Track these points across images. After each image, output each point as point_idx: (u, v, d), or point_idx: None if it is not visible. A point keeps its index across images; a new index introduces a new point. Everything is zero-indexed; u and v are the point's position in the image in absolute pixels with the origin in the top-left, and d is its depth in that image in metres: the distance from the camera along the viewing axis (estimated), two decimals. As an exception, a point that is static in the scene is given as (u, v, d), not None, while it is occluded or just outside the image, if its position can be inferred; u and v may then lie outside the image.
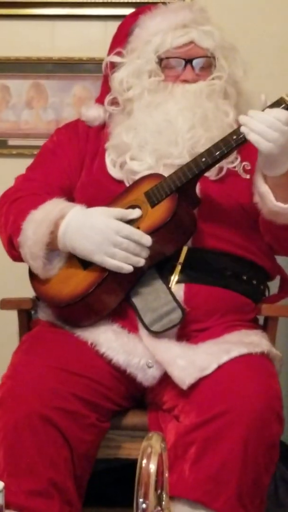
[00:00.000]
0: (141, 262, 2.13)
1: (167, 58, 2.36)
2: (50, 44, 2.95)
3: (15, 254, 2.30)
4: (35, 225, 2.21)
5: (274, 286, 2.45)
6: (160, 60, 2.36)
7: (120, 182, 2.33)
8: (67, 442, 2.05)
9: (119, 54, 2.43)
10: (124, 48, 2.43)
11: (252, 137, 2.08)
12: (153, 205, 2.20)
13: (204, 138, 2.25)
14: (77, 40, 2.93)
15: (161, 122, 2.30)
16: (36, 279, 2.28)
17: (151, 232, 2.15)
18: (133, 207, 2.21)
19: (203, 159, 2.17)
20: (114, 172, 2.34)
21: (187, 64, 2.34)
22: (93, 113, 2.47)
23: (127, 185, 2.31)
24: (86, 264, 2.20)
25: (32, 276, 2.29)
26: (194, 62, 2.35)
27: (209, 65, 2.37)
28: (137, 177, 2.29)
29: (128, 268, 2.13)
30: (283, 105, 2.10)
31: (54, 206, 2.23)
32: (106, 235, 2.14)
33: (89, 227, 2.17)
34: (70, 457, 2.06)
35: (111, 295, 2.19)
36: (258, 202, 2.19)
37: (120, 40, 2.47)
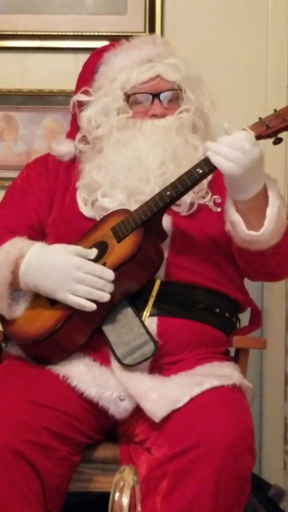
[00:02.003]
0: (105, 297, 2.13)
1: (134, 94, 2.37)
2: (21, 76, 2.96)
3: None
4: None
5: (244, 318, 2.46)
6: (127, 97, 2.37)
7: (92, 219, 2.33)
8: (39, 476, 2.03)
9: (85, 92, 2.44)
10: (91, 86, 2.44)
11: (214, 159, 2.09)
12: (119, 240, 2.20)
13: (175, 175, 2.25)
14: (47, 73, 2.94)
15: (131, 159, 2.31)
16: (3, 318, 2.27)
17: (117, 267, 2.15)
18: (100, 243, 2.21)
19: (168, 193, 2.18)
20: (85, 210, 2.35)
21: (155, 98, 2.36)
22: (64, 149, 2.48)
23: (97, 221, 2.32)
24: (53, 301, 2.20)
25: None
26: (162, 95, 2.36)
27: (176, 97, 2.38)
28: (107, 213, 2.30)
29: (91, 306, 2.12)
30: None
31: (13, 246, 2.24)
32: (68, 272, 2.14)
33: (50, 265, 2.17)
34: (41, 491, 2.04)
35: (78, 332, 2.19)
36: (231, 231, 2.20)
37: (85, 78, 2.48)
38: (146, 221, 2.19)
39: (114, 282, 2.15)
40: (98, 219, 2.31)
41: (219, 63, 2.86)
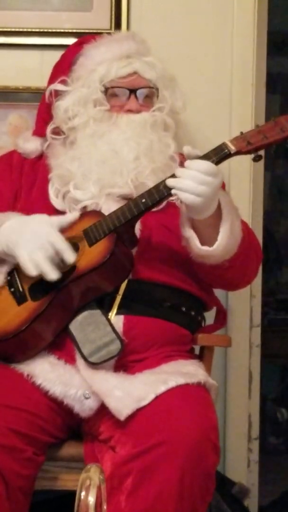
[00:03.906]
0: (51, 275, 2.11)
1: (112, 87, 2.38)
2: (-14, 72, 2.94)
3: None
4: None
5: (210, 316, 2.47)
6: (106, 89, 2.37)
7: (62, 212, 2.32)
8: (3, 479, 2.01)
9: (63, 82, 2.44)
10: (68, 76, 2.44)
11: (182, 196, 2.09)
12: (90, 243, 2.19)
13: (149, 169, 2.28)
14: (13, 69, 2.93)
15: (106, 151, 2.32)
16: None
17: (87, 271, 2.14)
18: (71, 244, 2.18)
19: (143, 200, 2.17)
20: (56, 202, 2.34)
21: (131, 94, 2.37)
22: (30, 146, 2.47)
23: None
24: (20, 299, 2.19)
25: None
26: (138, 92, 2.37)
27: (151, 95, 2.40)
28: (79, 206, 2.29)
29: (31, 271, 2.12)
30: (225, 151, 2.12)
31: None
32: (35, 234, 2.15)
33: (25, 224, 2.18)
34: (5, 494, 2.02)
35: (45, 331, 2.18)
36: (186, 246, 2.21)
37: (63, 68, 2.48)
38: (119, 227, 2.18)
39: (83, 285, 2.15)
40: (68, 211, 2.31)
41: (185, 61, 2.85)
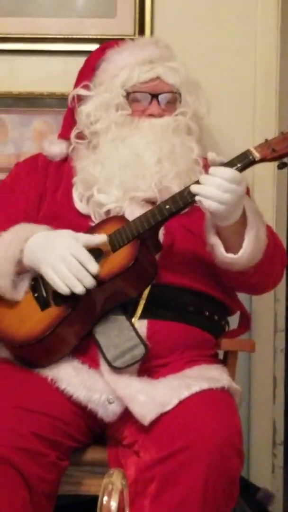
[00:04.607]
0: (78, 288, 2.11)
1: (134, 92, 2.38)
2: (11, 78, 2.95)
3: None
4: (6, 244, 2.22)
5: (233, 320, 2.47)
6: (127, 94, 2.38)
7: (86, 216, 2.33)
8: (26, 483, 2.02)
9: (86, 87, 2.45)
10: (91, 81, 2.45)
11: (205, 203, 2.09)
12: (114, 249, 2.19)
13: (172, 173, 2.29)
14: (37, 75, 2.94)
15: (128, 155, 2.32)
16: None
17: (111, 277, 2.14)
18: (95, 249, 2.19)
19: (167, 207, 2.17)
20: (80, 206, 2.35)
21: (153, 98, 2.38)
22: (56, 149, 2.49)
23: (94, 218, 2.32)
24: (44, 305, 2.20)
25: None
26: (160, 97, 2.38)
27: (174, 100, 2.40)
28: (103, 209, 2.30)
29: (64, 289, 2.12)
30: (249, 158, 2.11)
31: (24, 227, 2.25)
32: (59, 249, 2.15)
33: (49, 240, 2.18)
34: (28, 498, 2.02)
35: (68, 337, 2.18)
36: (211, 252, 2.21)
37: (86, 74, 2.50)
38: (142, 233, 2.18)
39: (106, 291, 2.15)
40: (93, 215, 2.32)
41: (209, 67, 2.86)
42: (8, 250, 2.20)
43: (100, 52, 2.51)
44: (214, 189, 2.07)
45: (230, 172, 2.09)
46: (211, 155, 2.14)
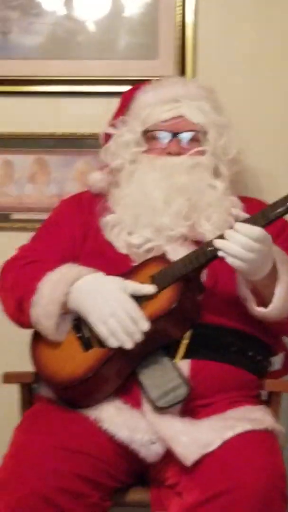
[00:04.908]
0: (127, 344, 2.11)
1: (153, 130, 2.40)
2: (54, 120, 2.99)
3: (22, 320, 2.29)
4: (52, 285, 2.21)
5: (277, 361, 2.45)
6: (147, 132, 2.40)
7: (127, 256, 2.34)
8: None
9: (113, 126, 2.49)
10: (120, 121, 2.49)
11: (229, 260, 2.10)
12: (157, 291, 2.19)
13: (187, 207, 2.30)
14: (80, 116, 2.97)
15: (138, 194, 2.35)
16: (37, 356, 2.27)
17: (153, 319, 2.14)
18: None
19: (209, 248, 2.16)
20: (118, 247, 2.35)
21: (174, 137, 2.38)
22: (96, 177, 2.50)
23: (133, 258, 2.32)
24: (86, 345, 2.20)
25: (33, 353, 2.27)
26: (181, 135, 2.39)
27: (198, 139, 2.40)
28: (140, 250, 2.31)
29: (112, 344, 2.11)
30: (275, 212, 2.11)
31: (70, 268, 2.24)
32: (109, 302, 2.14)
33: (98, 289, 2.17)
34: None
35: (112, 377, 2.17)
36: (244, 303, 2.22)
37: (117, 114, 2.55)
38: (185, 274, 2.18)
39: (149, 333, 2.13)
40: (132, 255, 2.32)
41: (250, 110, 2.87)
42: (54, 292, 2.20)
43: (130, 92, 2.56)
44: (239, 247, 2.07)
45: (256, 230, 2.08)
46: (235, 211, 2.15)
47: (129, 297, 2.15)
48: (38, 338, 2.27)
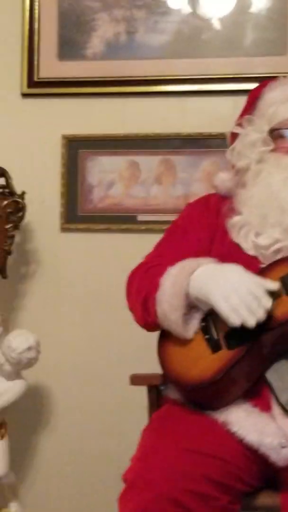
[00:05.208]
0: (250, 321, 2.05)
1: (279, 129, 2.35)
2: (180, 120, 2.98)
3: (149, 320, 2.27)
4: (173, 278, 2.19)
5: None
6: (273, 131, 2.36)
7: (254, 257, 2.30)
8: None
9: (239, 125, 2.45)
10: (248, 119, 2.44)
11: None
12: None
13: None
14: (206, 116, 2.96)
15: (265, 194, 2.29)
16: (164, 358, 2.25)
17: (284, 321, 2.09)
18: (268, 292, 2.13)
19: None
20: (246, 249, 2.32)
21: None
22: (222, 178, 2.47)
23: (261, 259, 2.28)
24: (215, 347, 2.17)
25: (161, 354, 2.26)
26: None
27: None
28: (269, 251, 2.26)
29: (233, 321, 2.07)
30: None
31: (190, 261, 2.22)
32: (230, 280, 2.11)
33: (219, 274, 2.14)
34: None
35: (241, 380, 2.14)
36: None
37: (244, 112, 2.50)
38: None
39: (279, 335, 2.10)
40: (260, 257, 2.28)
41: None
42: (176, 284, 2.18)
43: (257, 90, 2.50)
44: None
45: None
46: None
47: (251, 276, 2.12)
48: (165, 339, 2.25)
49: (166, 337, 2.24)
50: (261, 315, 2.07)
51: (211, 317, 2.19)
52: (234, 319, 2.07)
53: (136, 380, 2.39)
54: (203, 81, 2.94)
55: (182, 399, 2.23)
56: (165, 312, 2.19)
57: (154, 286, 2.22)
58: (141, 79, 2.99)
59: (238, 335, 2.12)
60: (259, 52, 2.91)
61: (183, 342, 2.21)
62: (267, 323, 2.09)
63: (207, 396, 2.15)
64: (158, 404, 2.37)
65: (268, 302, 2.08)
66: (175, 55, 2.97)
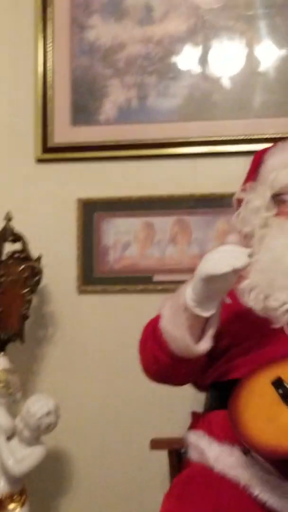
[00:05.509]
0: (238, 263, 2.09)
1: (281, 194, 2.38)
2: (192, 181, 3.01)
3: (162, 355, 2.24)
4: (171, 303, 2.23)
5: None
6: (275, 196, 2.38)
7: (266, 319, 2.30)
8: None
9: (244, 190, 2.47)
10: (250, 184, 2.48)
11: None
12: None
13: None
14: (218, 176, 2.99)
15: (269, 258, 2.30)
16: (239, 423, 2.10)
17: None
18: None
19: None
20: (256, 308, 2.32)
21: None
22: (232, 240, 2.48)
23: (272, 320, 2.27)
24: None
25: (235, 421, 2.11)
26: None
27: None
28: (278, 312, 2.27)
29: (224, 269, 2.10)
30: None
31: (184, 285, 2.24)
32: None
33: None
34: None
35: None
36: None
37: (248, 177, 2.54)
38: None
39: None
40: (270, 317, 2.28)
41: None
42: (173, 306, 2.21)
43: (259, 155, 2.53)
44: None
45: None
46: None
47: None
48: (237, 404, 2.14)
49: (239, 401, 2.13)
50: (245, 259, 2.10)
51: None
52: (221, 268, 2.10)
53: (156, 444, 2.39)
54: (214, 143, 2.97)
55: (203, 460, 2.21)
56: (170, 332, 2.21)
57: (157, 322, 2.25)
58: (153, 143, 3.02)
59: None
60: (268, 113, 2.94)
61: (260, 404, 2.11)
62: None
63: None
64: (180, 468, 2.35)
65: (247, 249, 2.13)
66: (186, 118, 3.01)
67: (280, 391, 2.09)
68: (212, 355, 2.32)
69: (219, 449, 2.17)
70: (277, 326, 2.27)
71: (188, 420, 2.37)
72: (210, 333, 2.22)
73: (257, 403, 2.09)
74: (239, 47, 2.99)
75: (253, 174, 2.52)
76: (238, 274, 2.16)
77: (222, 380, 2.32)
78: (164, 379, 2.36)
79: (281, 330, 2.26)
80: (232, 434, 2.14)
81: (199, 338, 2.21)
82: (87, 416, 3.13)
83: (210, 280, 2.14)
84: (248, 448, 2.03)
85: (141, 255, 3.06)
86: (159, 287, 3.02)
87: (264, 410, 2.07)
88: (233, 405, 2.10)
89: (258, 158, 2.53)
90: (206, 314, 2.18)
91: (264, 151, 2.53)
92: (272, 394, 2.09)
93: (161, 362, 2.28)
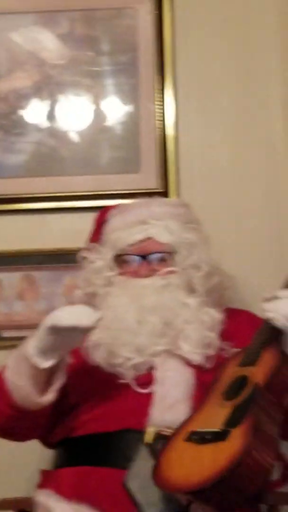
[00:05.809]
0: (84, 321, 2.14)
1: (123, 255, 2.43)
2: (40, 236, 3.00)
3: (4, 407, 2.23)
4: (15, 355, 2.24)
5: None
6: (117, 256, 2.43)
7: (111, 374, 2.32)
8: None
9: (87, 250, 2.52)
10: (91, 247, 2.52)
11: (278, 323, 2.12)
12: (253, 363, 2.14)
13: (159, 325, 2.31)
14: (66, 231, 2.99)
15: (110, 317, 2.33)
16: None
17: (268, 377, 2.07)
18: (240, 379, 2.12)
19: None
20: (102, 365, 2.33)
21: (144, 259, 2.41)
22: (77, 295, 2.51)
23: (120, 375, 2.30)
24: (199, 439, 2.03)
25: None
26: (151, 257, 2.41)
27: (168, 258, 2.42)
28: (123, 368, 2.30)
29: (69, 322, 2.13)
30: None
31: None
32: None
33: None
34: None
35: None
36: None
37: (92, 237, 2.58)
38: (269, 338, 2.16)
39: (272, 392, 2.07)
40: (117, 373, 2.31)
41: (232, 220, 2.92)
42: (17, 357, 2.23)
43: (102, 215, 2.59)
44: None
45: None
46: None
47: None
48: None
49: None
50: (91, 321, 2.14)
51: None
52: (67, 321, 2.13)
53: (3, 505, 2.35)
54: (61, 198, 2.97)
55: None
56: (13, 382, 2.20)
57: (2, 374, 2.24)
58: (0, 198, 3.01)
59: None
60: (114, 170, 2.97)
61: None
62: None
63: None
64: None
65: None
66: (33, 173, 3.00)
67: (195, 437, 2.04)
68: (60, 411, 2.32)
69: (68, 507, 2.16)
70: (124, 381, 2.29)
71: (36, 479, 2.35)
72: (55, 386, 2.22)
73: (178, 456, 2.04)
74: (86, 103, 3.03)
75: (97, 233, 2.55)
76: (83, 333, 2.18)
77: (71, 436, 2.31)
78: (8, 432, 2.33)
79: (128, 385, 2.28)
80: (81, 492, 2.15)
81: (42, 390, 2.21)
82: None
83: (54, 331, 2.15)
84: (181, 496, 1.98)
85: (-13, 311, 3.03)
86: (7, 343, 2.98)
87: (185, 457, 2.03)
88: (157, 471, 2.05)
89: (101, 217, 2.57)
90: (44, 365, 2.18)
91: (107, 209, 2.57)
92: (187, 446, 2.05)
93: (4, 413, 2.26)
